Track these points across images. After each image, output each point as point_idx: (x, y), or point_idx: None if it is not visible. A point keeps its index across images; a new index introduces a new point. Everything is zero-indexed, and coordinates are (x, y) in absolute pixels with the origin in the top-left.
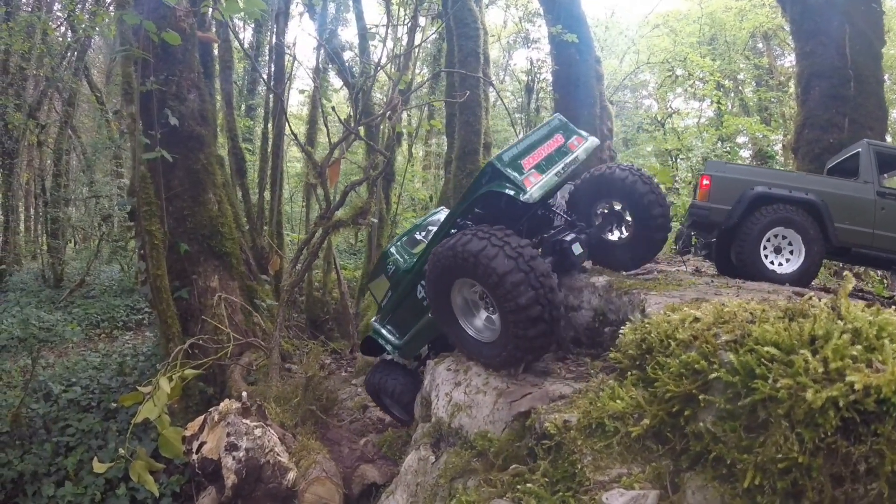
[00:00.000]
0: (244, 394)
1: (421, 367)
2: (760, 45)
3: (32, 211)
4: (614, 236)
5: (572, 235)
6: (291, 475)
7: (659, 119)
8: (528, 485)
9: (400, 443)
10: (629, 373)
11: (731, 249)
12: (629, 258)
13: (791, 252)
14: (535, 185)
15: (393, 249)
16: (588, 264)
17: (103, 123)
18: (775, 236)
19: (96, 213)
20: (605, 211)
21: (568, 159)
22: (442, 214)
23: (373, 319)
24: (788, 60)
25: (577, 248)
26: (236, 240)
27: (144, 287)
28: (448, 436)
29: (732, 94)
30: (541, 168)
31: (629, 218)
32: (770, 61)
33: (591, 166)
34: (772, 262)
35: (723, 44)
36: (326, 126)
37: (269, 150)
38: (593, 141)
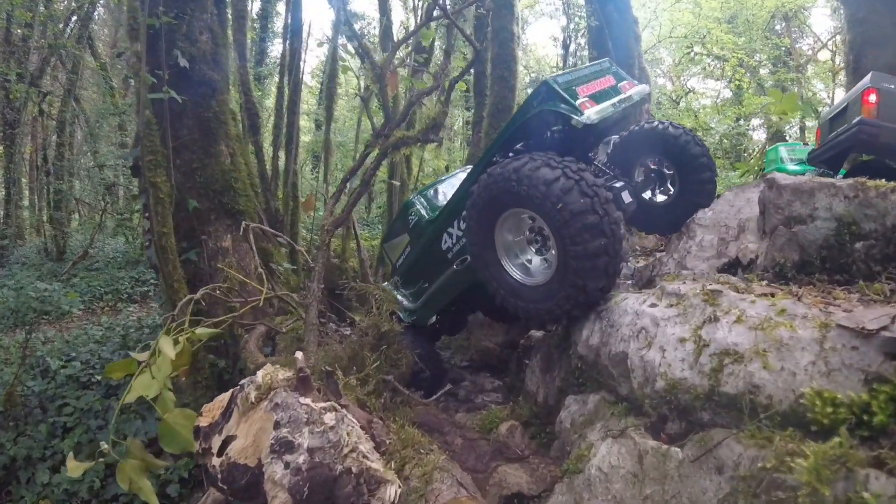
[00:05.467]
0: (299, 355)
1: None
2: (779, 28)
3: (37, 184)
4: (656, 197)
5: (622, 183)
6: (390, 491)
7: (674, 98)
8: None
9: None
10: None
11: None
12: (667, 221)
13: None
14: (591, 110)
15: (416, 199)
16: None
17: (108, 92)
18: None
19: (100, 184)
20: (649, 169)
21: (622, 96)
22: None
23: (384, 284)
24: (806, 43)
25: (626, 197)
26: (251, 197)
27: (149, 250)
28: (701, 408)
29: (749, 75)
30: (596, 98)
31: (670, 178)
32: (790, 42)
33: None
34: None
35: (743, 22)
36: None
37: (284, 105)
38: (645, 87)
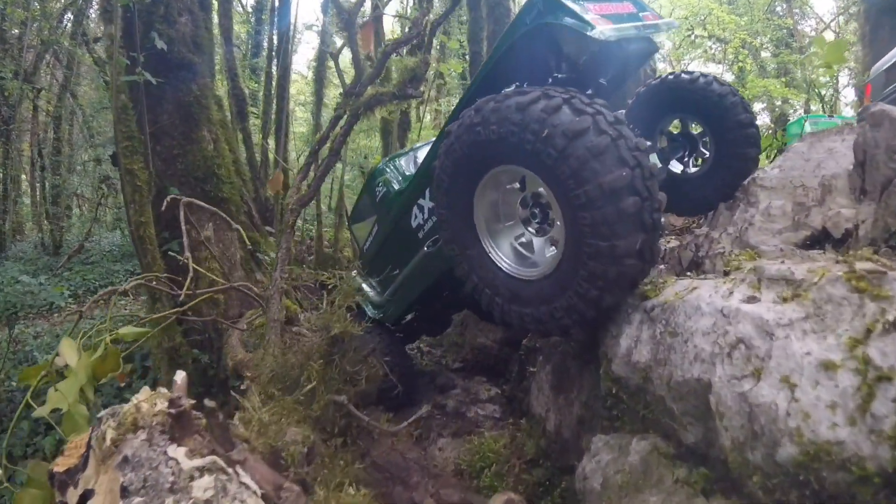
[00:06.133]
0: (178, 378)
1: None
2: (780, 9)
3: (38, 179)
4: (689, 168)
5: (649, 143)
6: None
7: None
8: None
9: (513, 472)
10: None
11: None
12: (708, 191)
13: None
14: (606, 26)
15: (386, 167)
16: None
17: (102, 87)
18: None
19: (95, 177)
20: (671, 136)
21: (646, 23)
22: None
23: (352, 273)
24: (809, 24)
25: (653, 158)
26: (235, 184)
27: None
28: (872, 499)
29: (750, 58)
30: (613, 19)
31: (705, 138)
32: (792, 23)
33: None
34: None
35: (744, 3)
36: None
37: (273, 91)
38: (671, 22)
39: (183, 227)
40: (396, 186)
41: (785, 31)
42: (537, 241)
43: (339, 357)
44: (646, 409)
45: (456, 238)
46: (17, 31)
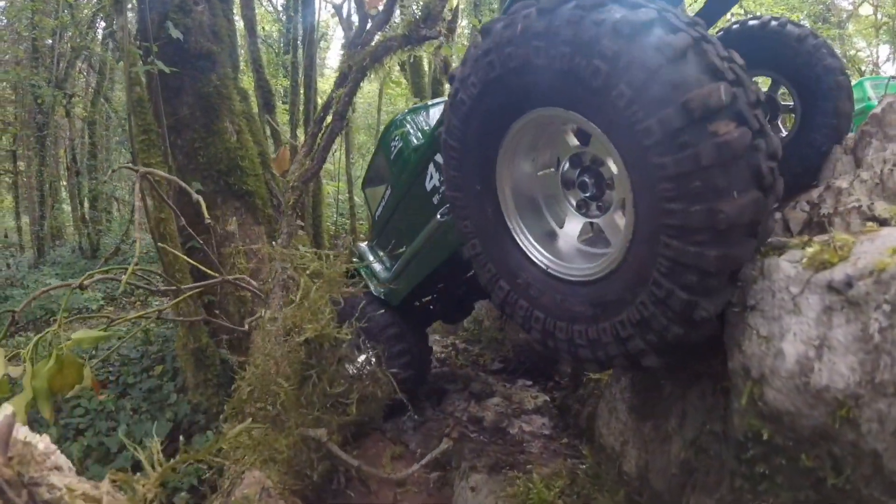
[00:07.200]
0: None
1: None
2: None
3: (70, 184)
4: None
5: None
6: None
7: None
8: None
9: None
10: None
11: None
12: (806, 149)
13: None
14: None
15: (404, 119)
16: None
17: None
18: None
19: (131, 179)
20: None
21: None
22: None
23: (361, 244)
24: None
25: None
26: (261, 176)
27: None
28: None
29: None
30: None
31: (781, 90)
32: None
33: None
34: None
35: None
36: None
37: (299, 81)
38: None
39: (137, 203)
40: (414, 142)
41: (822, 6)
42: (605, 221)
43: (317, 373)
44: (835, 473)
45: (493, 260)
46: (49, 40)
